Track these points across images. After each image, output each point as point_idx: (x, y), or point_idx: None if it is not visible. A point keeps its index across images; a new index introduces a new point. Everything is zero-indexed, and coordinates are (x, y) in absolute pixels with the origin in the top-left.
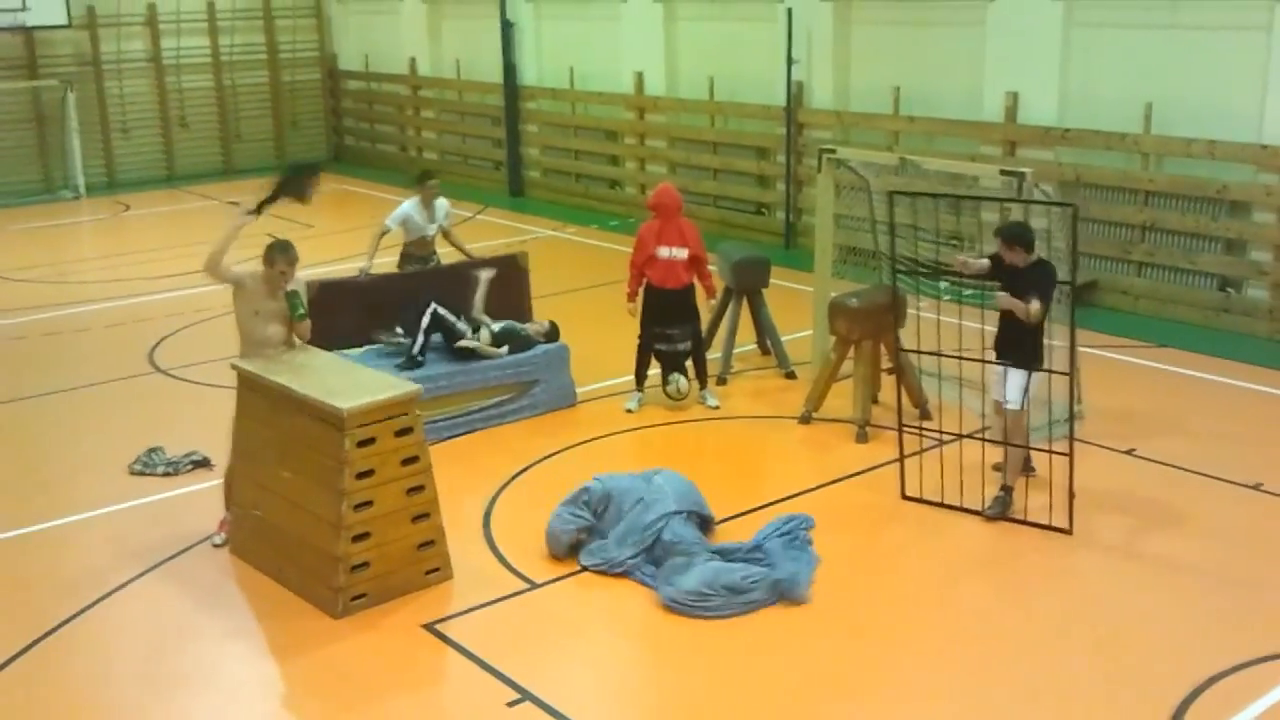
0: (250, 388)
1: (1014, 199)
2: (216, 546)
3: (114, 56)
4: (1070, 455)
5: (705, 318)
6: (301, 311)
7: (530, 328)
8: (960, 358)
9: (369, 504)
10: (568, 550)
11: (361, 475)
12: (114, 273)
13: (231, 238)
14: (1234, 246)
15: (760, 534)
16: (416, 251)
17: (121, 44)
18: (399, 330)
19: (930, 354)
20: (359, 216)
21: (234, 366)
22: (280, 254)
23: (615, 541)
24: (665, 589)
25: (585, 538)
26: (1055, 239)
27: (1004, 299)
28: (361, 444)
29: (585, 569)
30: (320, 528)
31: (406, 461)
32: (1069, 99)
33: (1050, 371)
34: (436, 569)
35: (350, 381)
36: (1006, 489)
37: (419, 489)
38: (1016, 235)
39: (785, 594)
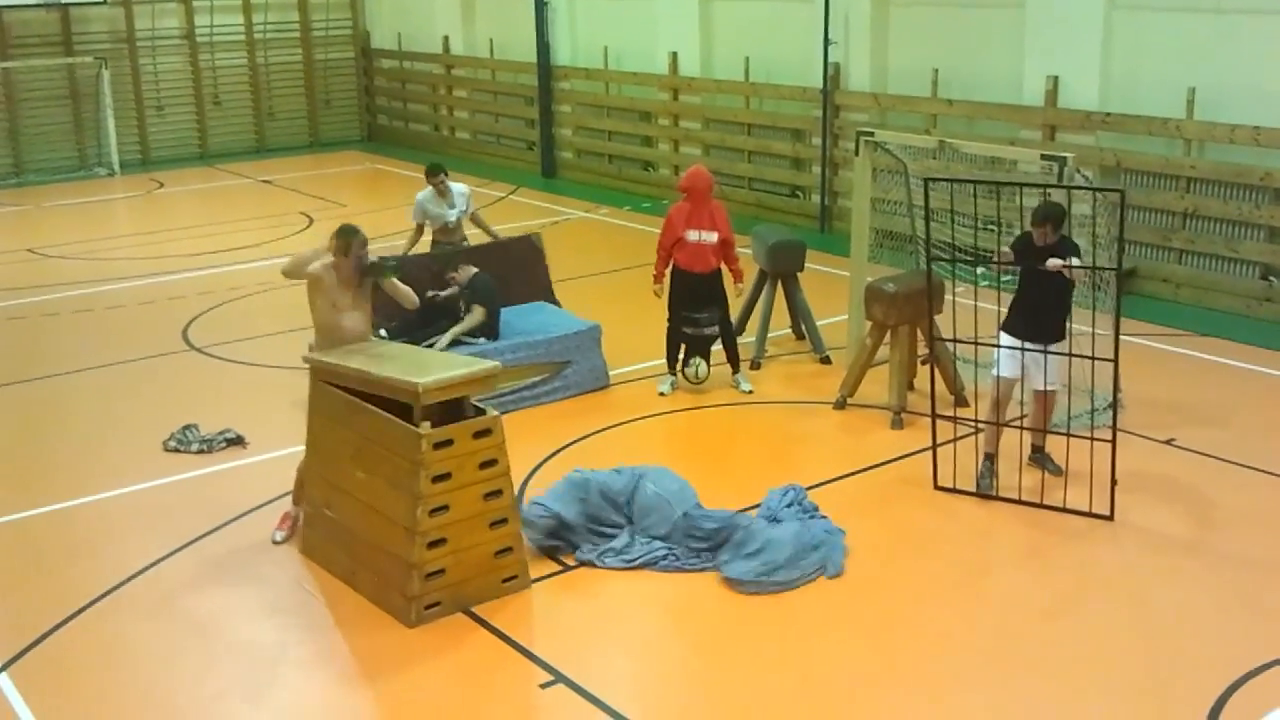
0: (323, 382)
1: (1058, 184)
2: (276, 544)
3: (149, 34)
4: (1113, 442)
5: (733, 302)
6: (394, 264)
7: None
8: (998, 345)
9: (445, 509)
10: (545, 536)
11: (438, 479)
12: (147, 250)
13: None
14: (1276, 235)
15: (765, 508)
16: (443, 239)
17: (156, 21)
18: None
19: (967, 342)
20: (391, 196)
21: (306, 359)
22: (352, 237)
23: (633, 539)
24: (741, 566)
25: (556, 523)
26: (1098, 225)
27: (1054, 262)
28: (438, 446)
29: (609, 568)
30: (394, 532)
31: (485, 465)
32: (1110, 83)
33: (1094, 359)
34: (514, 576)
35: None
36: (1037, 449)
37: (497, 493)
38: (1058, 215)
39: (827, 565)
